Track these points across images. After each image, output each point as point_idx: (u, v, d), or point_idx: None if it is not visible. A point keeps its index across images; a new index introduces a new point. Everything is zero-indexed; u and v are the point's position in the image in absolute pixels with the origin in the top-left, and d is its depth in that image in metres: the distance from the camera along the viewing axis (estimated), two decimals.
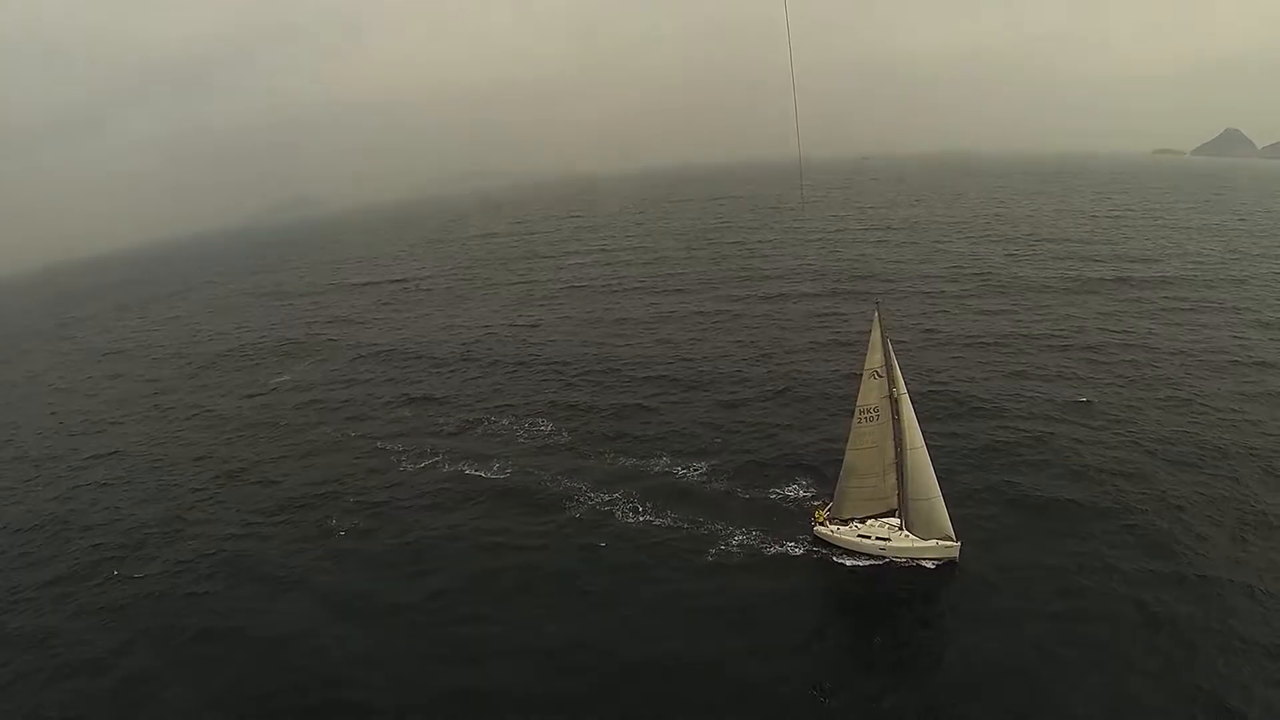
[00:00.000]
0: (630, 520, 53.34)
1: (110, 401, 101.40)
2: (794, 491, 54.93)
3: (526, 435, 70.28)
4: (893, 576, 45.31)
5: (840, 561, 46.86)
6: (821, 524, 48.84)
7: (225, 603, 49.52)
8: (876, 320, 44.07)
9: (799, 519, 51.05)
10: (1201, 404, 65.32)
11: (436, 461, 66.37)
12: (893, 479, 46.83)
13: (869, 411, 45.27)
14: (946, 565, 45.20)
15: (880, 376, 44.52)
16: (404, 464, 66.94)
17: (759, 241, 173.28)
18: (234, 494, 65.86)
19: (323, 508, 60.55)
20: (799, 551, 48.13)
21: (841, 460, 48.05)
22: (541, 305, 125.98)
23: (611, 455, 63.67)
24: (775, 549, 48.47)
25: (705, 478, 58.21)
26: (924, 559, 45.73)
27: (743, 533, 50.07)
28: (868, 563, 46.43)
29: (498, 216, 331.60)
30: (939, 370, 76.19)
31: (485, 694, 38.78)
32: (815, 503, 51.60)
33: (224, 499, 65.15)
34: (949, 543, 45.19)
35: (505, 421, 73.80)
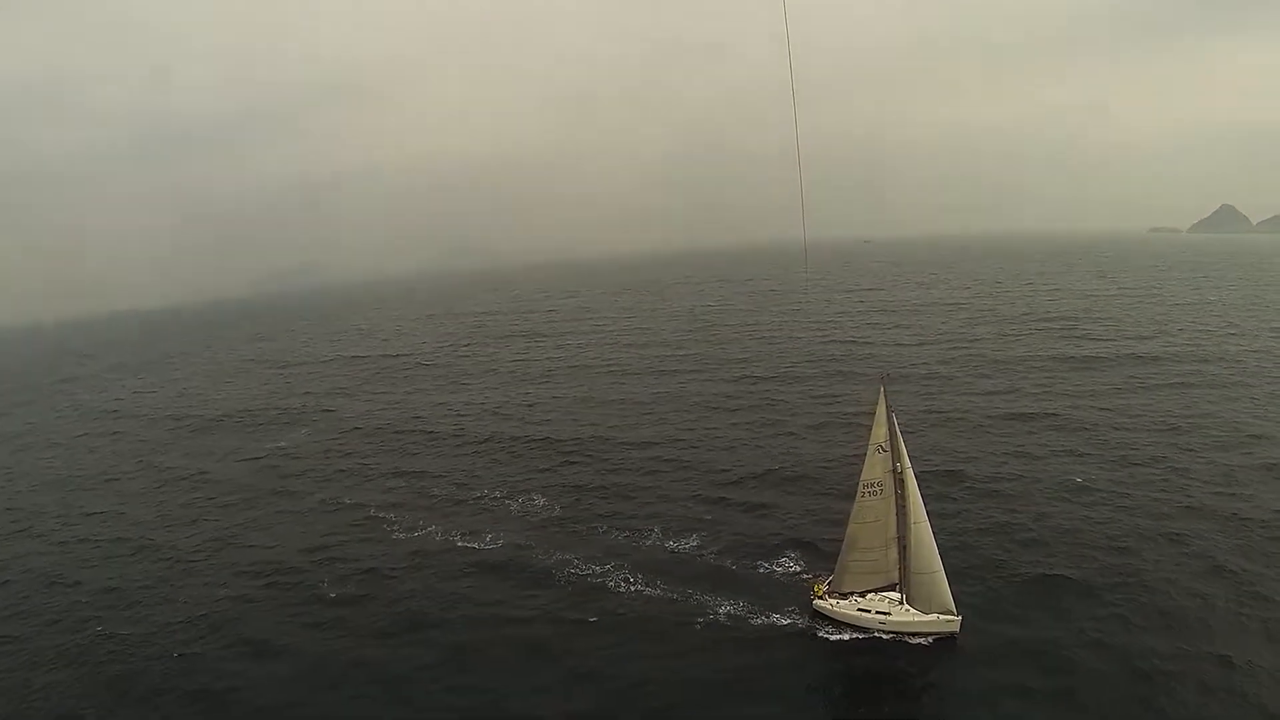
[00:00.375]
0: (622, 590, 52.82)
1: (106, 458, 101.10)
2: (784, 565, 54.39)
3: (520, 510, 69.56)
4: (890, 651, 44.28)
5: (836, 636, 45.93)
6: (820, 598, 47.94)
7: (215, 664, 48.35)
8: (881, 395, 44.23)
9: (791, 591, 50.47)
10: (1192, 478, 65.20)
11: (430, 532, 65.68)
12: (894, 553, 46.19)
13: (873, 486, 44.95)
14: (945, 640, 44.24)
15: (885, 451, 44.41)
16: (396, 533, 66.26)
17: (759, 324, 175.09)
18: (226, 556, 64.91)
19: (315, 572, 59.66)
20: (789, 623, 47.34)
21: (834, 534, 48.08)
22: (538, 384, 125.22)
23: (604, 529, 63.09)
24: (764, 620, 47.76)
25: (697, 552, 57.59)
26: (923, 634, 44.74)
27: (732, 604, 49.51)
28: (862, 636, 45.59)
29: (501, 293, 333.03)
30: (939, 448, 75.88)
31: None
32: (812, 577, 50.69)
33: (216, 561, 64.25)
34: (949, 617, 44.34)
35: (498, 495, 73.23)
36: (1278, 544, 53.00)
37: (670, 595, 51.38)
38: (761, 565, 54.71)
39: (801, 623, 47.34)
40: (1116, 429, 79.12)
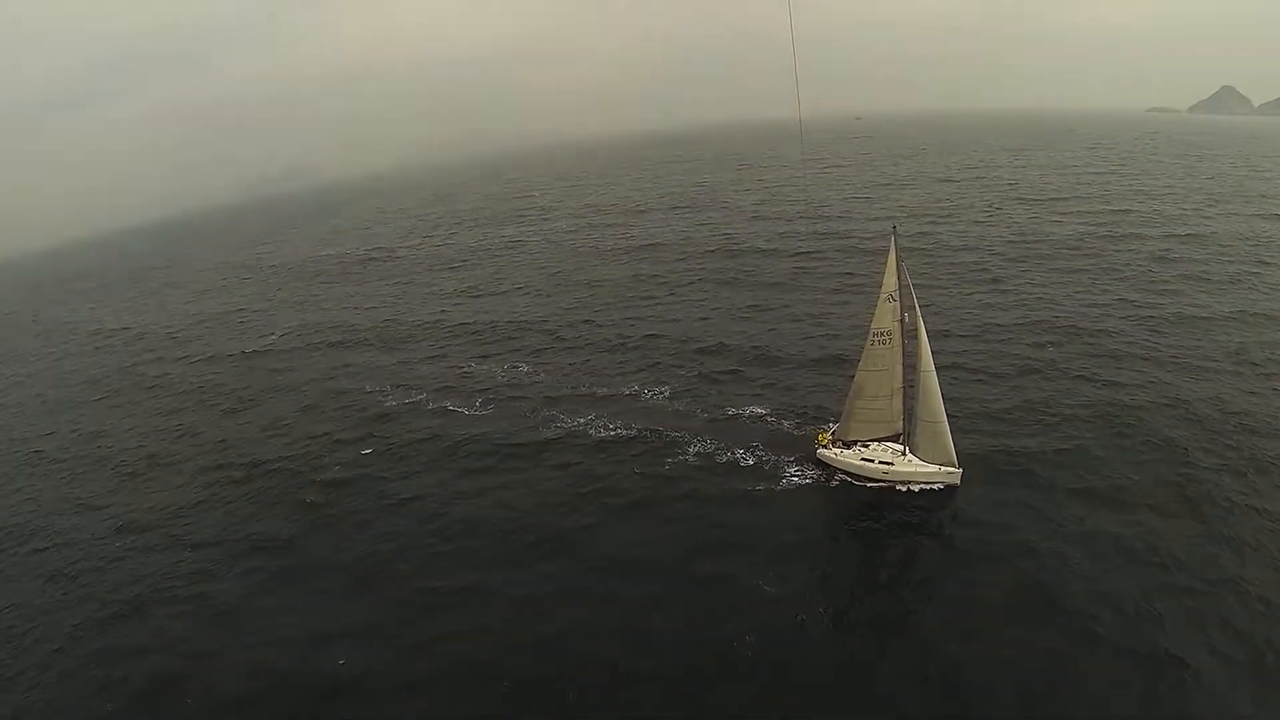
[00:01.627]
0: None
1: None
2: (791, 420, 55.32)
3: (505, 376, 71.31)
4: (891, 499, 45.34)
5: (838, 482, 47.25)
6: (824, 446, 48.76)
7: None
8: (892, 244, 43.52)
9: (796, 441, 51.58)
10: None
11: (422, 399, 67.33)
12: (899, 403, 46.67)
13: (882, 334, 44.88)
14: (947, 492, 45.22)
15: (894, 300, 44.12)
16: (390, 400, 68.06)
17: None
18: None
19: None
20: (794, 470, 48.54)
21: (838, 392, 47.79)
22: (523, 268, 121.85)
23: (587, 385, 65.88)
24: (770, 466, 49.19)
25: (693, 407, 59.03)
26: (926, 483, 45.71)
27: (735, 450, 51.35)
28: (864, 485, 46.76)
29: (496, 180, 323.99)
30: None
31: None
32: (817, 428, 51.41)
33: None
34: (951, 469, 45.16)
35: (486, 368, 74.11)
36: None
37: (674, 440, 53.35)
38: (769, 419, 55.60)
39: (805, 470, 48.30)
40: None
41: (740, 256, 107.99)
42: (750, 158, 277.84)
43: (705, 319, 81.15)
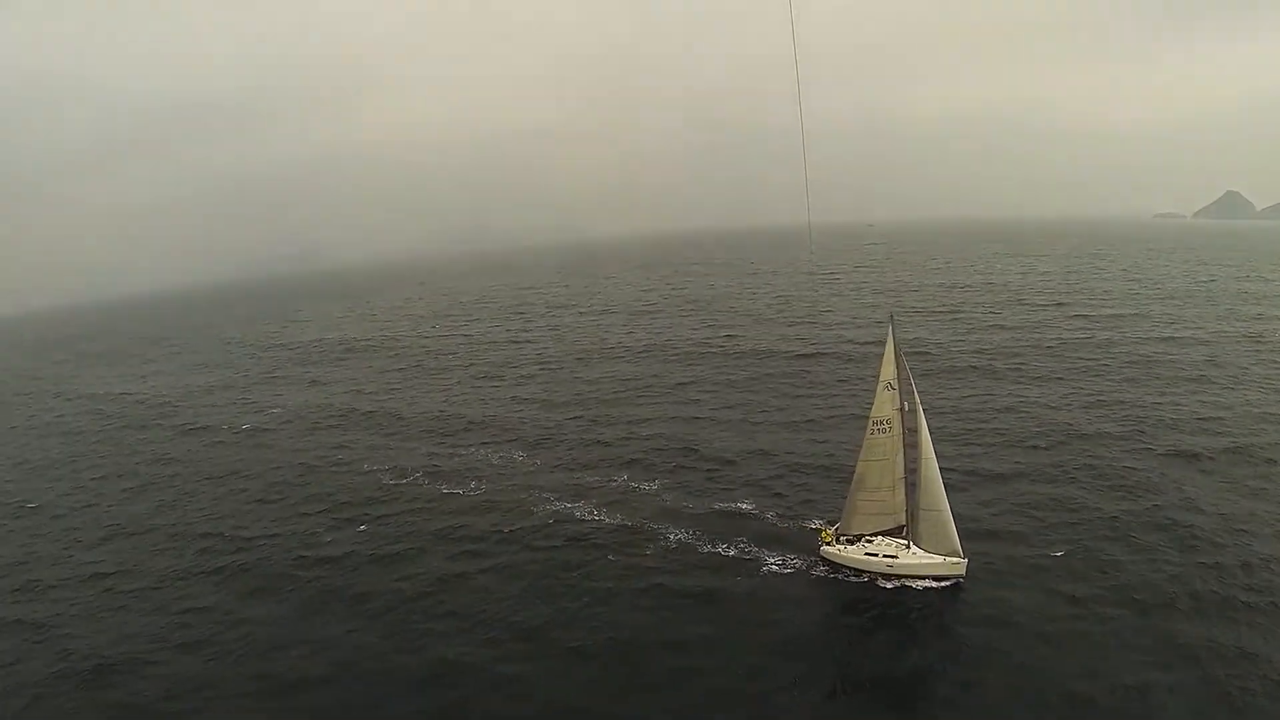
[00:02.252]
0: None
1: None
2: (795, 516, 53.83)
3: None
4: (898, 595, 43.79)
5: (845, 580, 45.53)
6: (828, 543, 47.43)
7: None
8: (890, 334, 43.92)
9: (799, 539, 50.13)
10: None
11: (417, 479, 68.32)
12: (901, 494, 45.77)
13: (881, 423, 44.50)
14: (952, 584, 43.83)
15: (893, 389, 44.03)
16: (386, 480, 68.73)
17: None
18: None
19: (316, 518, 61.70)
20: (797, 568, 47.20)
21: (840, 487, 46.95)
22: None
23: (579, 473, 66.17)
24: (774, 566, 47.66)
25: (710, 505, 57.40)
26: (931, 576, 44.32)
27: (742, 549, 49.87)
28: (870, 581, 45.21)
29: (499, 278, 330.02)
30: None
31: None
32: (820, 524, 50.17)
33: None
34: (956, 559, 43.92)
35: (483, 453, 74.57)
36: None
37: (682, 540, 51.78)
38: (772, 515, 54.33)
39: (809, 569, 46.81)
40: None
41: (742, 358, 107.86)
42: (761, 264, 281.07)
43: (699, 418, 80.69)
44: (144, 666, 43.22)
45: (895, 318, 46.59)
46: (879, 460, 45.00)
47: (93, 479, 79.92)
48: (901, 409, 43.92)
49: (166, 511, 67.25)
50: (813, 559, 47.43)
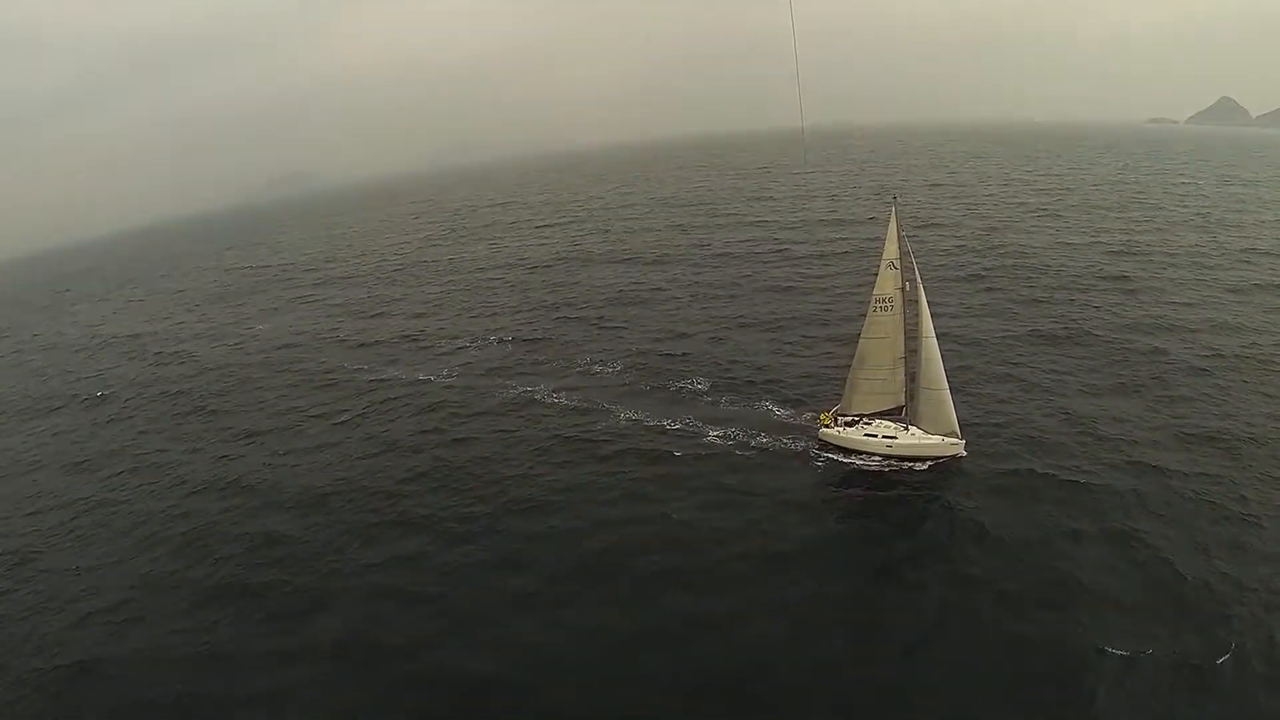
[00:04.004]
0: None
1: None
2: (797, 403, 54.18)
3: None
4: (896, 474, 44.64)
5: (844, 460, 46.25)
6: (827, 426, 47.90)
7: None
8: (892, 213, 43.50)
9: (801, 424, 50.57)
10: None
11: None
12: (901, 374, 46.05)
13: (883, 301, 44.42)
14: (950, 463, 44.52)
15: (895, 268, 43.75)
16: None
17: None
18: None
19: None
20: (799, 450, 47.67)
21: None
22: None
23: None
24: (777, 447, 48.11)
25: (714, 393, 57.84)
26: (930, 456, 44.99)
27: (746, 433, 50.13)
28: (870, 461, 45.97)
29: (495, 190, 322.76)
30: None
31: None
32: (819, 411, 50.32)
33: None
34: (954, 439, 44.56)
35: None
36: None
37: (686, 426, 52.09)
38: (770, 403, 54.70)
39: (810, 450, 47.44)
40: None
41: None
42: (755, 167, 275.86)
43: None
44: None
45: (896, 197, 46.32)
46: (880, 338, 45.10)
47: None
48: (903, 288, 43.72)
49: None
50: (812, 441, 48.06)
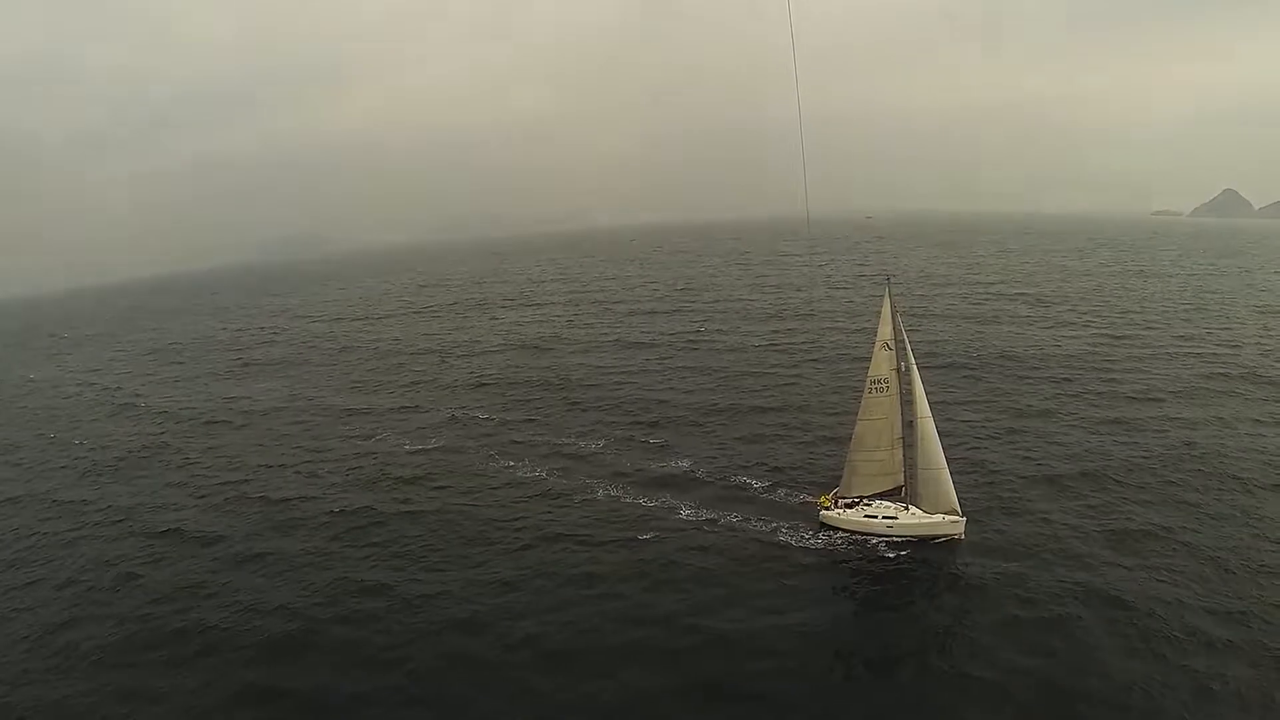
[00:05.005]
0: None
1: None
2: (796, 487, 53.77)
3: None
4: (898, 557, 44.12)
5: (845, 544, 45.78)
6: (827, 508, 47.75)
7: None
8: (887, 295, 44.59)
9: (799, 508, 50.19)
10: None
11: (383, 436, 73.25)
12: (899, 455, 46.17)
13: (879, 383, 44.98)
14: (951, 543, 44.35)
15: (890, 349, 44.56)
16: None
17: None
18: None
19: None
20: (799, 535, 47.04)
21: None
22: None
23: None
24: (777, 533, 47.55)
25: (714, 475, 57.92)
26: (930, 536, 44.73)
27: (745, 518, 49.52)
28: (871, 544, 45.50)
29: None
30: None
31: None
32: (818, 493, 50.09)
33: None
34: (955, 518, 44.47)
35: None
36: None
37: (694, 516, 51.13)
38: (770, 486, 54.58)
39: (810, 534, 47.03)
40: None
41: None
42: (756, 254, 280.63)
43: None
44: None
45: (891, 278, 47.00)
46: (877, 419, 45.42)
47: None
48: (898, 369, 44.38)
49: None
50: (812, 526, 47.65)
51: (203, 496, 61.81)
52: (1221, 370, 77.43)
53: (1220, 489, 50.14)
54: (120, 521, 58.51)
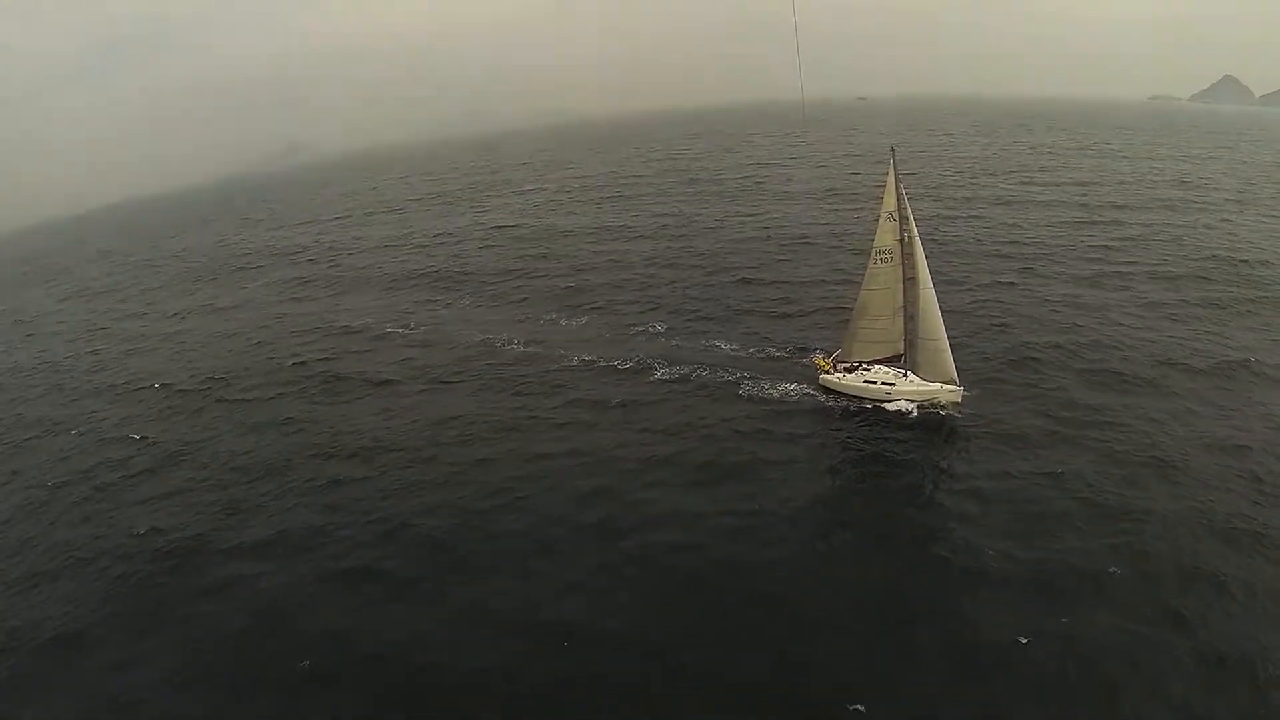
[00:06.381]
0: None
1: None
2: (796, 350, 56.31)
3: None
4: (895, 420, 46.22)
5: (842, 405, 48.10)
6: (827, 372, 49.70)
7: None
8: (891, 164, 44.75)
9: (800, 369, 52.44)
10: None
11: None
12: (900, 323, 47.59)
13: (883, 253, 45.84)
14: (948, 410, 46.04)
15: (894, 220, 45.04)
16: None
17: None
18: None
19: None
20: (797, 396, 49.45)
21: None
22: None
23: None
24: (776, 393, 50.09)
25: (712, 342, 59.99)
26: (928, 402, 46.56)
27: (747, 379, 52.05)
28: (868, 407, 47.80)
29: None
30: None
31: None
32: (819, 354, 52.01)
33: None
34: (953, 387, 46.10)
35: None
36: None
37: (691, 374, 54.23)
38: (772, 350, 57.00)
39: (809, 396, 49.19)
40: None
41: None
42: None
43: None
44: None
45: (895, 149, 47.35)
46: (880, 289, 46.70)
47: None
48: (901, 239, 45.16)
49: None
50: (811, 388, 49.84)
51: None
52: None
53: None
54: None
